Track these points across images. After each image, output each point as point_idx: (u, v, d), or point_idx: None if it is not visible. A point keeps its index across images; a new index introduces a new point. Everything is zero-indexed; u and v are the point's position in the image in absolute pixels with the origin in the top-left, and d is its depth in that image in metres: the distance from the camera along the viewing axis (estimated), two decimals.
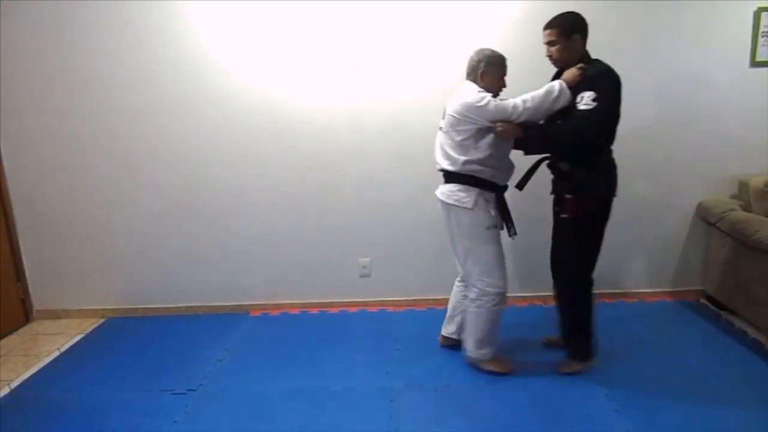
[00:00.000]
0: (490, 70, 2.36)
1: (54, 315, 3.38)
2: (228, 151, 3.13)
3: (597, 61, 2.32)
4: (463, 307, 2.62)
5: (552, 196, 2.50)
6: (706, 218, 3.13)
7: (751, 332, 2.81)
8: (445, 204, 2.43)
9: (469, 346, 2.51)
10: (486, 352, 2.50)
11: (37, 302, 3.39)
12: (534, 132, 2.32)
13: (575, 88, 2.24)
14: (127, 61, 3.01)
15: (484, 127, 2.28)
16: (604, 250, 3.24)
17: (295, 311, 3.32)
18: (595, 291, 3.30)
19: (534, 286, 3.32)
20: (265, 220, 3.23)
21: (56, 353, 2.92)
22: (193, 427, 2.24)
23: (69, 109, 3.08)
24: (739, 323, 2.92)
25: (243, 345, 2.92)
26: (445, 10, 2.94)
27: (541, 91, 2.28)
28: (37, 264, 3.32)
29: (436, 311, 3.24)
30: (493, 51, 2.38)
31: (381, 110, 3.06)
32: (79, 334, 3.14)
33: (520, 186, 2.52)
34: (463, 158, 2.32)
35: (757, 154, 3.10)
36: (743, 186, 3.06)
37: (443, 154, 2.41)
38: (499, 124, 2.26)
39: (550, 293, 3.29)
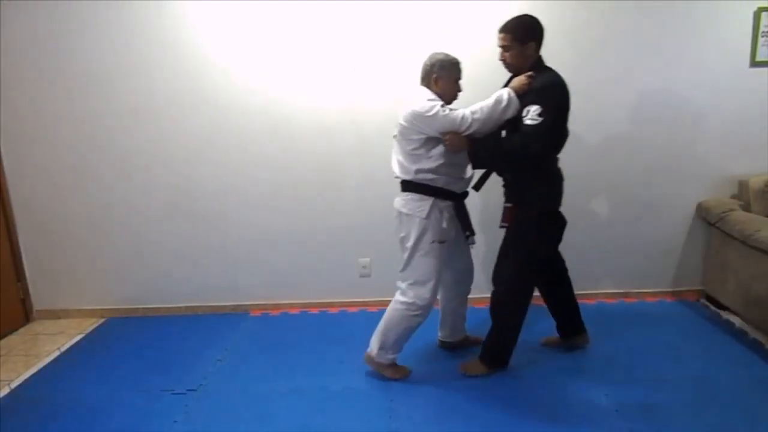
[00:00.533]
0: (443, 75, 2.30)
1: (54, 315, 3.38)
2: (228, 151, 3.13)
3: (548, 69, 2.26)
4: (451, 308, 2.67)
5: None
6: (706, 218, 3.13)
7: (751, 332, 2.81)
8: (399, 213, 2.39)
9: (374, 346, 2.48)
10: (388, 356, 2.48)
11: (37, 302, 3.39)
12: (482, 147, 2.26)
13: (522, 98, 2.21)
14: (127, 62, 3.01)
15: (433, 136, 2.24)
16: (604, 250, 3.27)
17: (295, 311, 3.32)
18: (596, 291, 3.34)
19: None
20: (265, 220, 3.23)
21: (56, 353, 2.92)
22: (193, 427, 2.24)
23: (69, 109, 3.08)
24: (739, 323, 2.92)
25: (243, 345, 2.92)
26: (445, 10, 2.94)
27: (490, 101, 2.23)
28: (37, 264, 3.32)
29: (435, 311, 3.23)
30: (446, 55, 2.33)
31: (381, 110, 3.06)
32: (79, 334, 3.14)
33: (477, 187, 2.49)
34: (414, 167, 2.28)
35: (757, 154, 3.10)
36: (743, 186, 3.06)
37: (397, 163, 2.37)
38: (447, 136, 2.20)
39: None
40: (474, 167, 2.39)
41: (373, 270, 3.31)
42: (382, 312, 3.23)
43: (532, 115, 2.12)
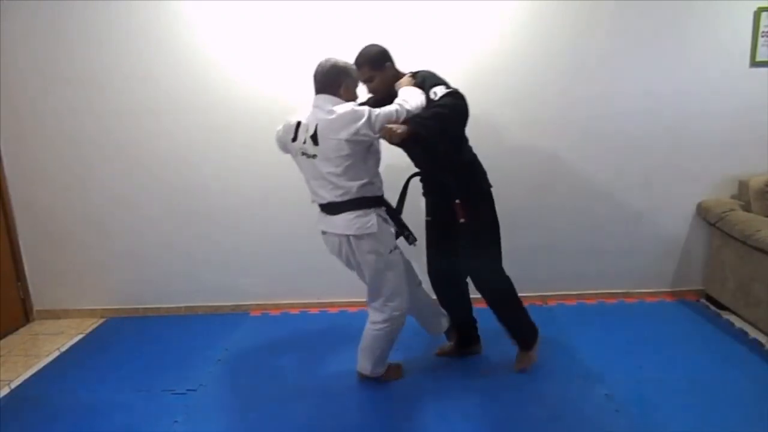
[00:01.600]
0: (350, 83, 2.20)
1: (54, 315, 3.38)
2: (228, 151, 3.13)
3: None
4: (426, 310, 2.59)
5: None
6: (706, 218, 3.13)
7: (751, 332, 2.81)
8: (342, 237, 2.22)
9: (367, 366, 2.42)
10: (381, 368, 2.45)
11: (37, 302, 3.39)
12: (420, 122, 2.09)
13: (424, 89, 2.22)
14: (127, 62, 3.01)
15: (373, 142, 2.15)
16: (604, 250, 3.27)
17: (295, 311, 3.32)
18: (596, 291, 3.34)
19: (532, 286, 3.32)
20: (265, 220, 3.23)
21: (56, 353, 2.92)
22: (193, 427, 2.24)
23: (69, 109, 3.08)
24: (739, 323, 2.92)
25: (243, 345, 2.92)
26: (445, 10, 2.93)
27: (407, 95, 2.15)
28: (37, 264, 3.33)
29: None
30: (346, 61, 2.22)
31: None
32: (79, 334, 3.15)
33: (399, 210, 2.42)
34: (357, 183, 2.12)
35: (757, 154, 3.10)
36: (743, 186, 3.06)
37: (329, 186, 2.14)
38: (389, 126, 2.05)
39: (549, 293, 3.33)
40: (423, 149, 2.34)
41: None
42: None
43: (440, 91, 2.14)
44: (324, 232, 2.31)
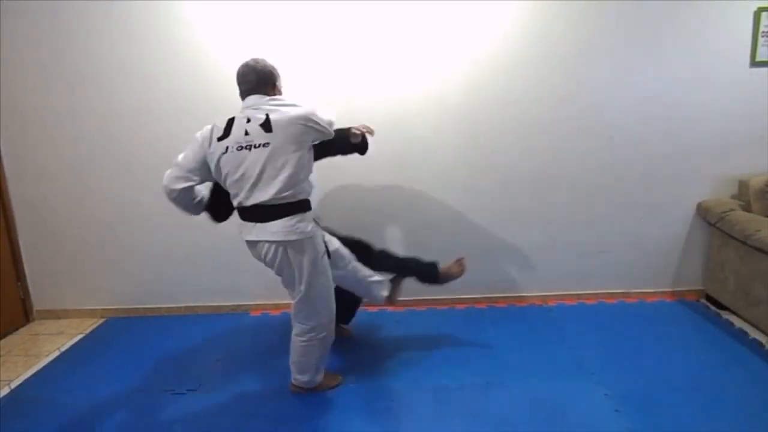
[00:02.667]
0: (280, 83, 2.22)
1: (54, 315, 3.38)
2: None
3: None
4: (359, 279, 2.54)
5: None
6: (706, 218, 3.13)
7: (751, 332, 2.81)
8: (280, 244, 2.10)
9: (304, 378, 2.37)
10: (320, 376, 2.41)
11: (37, 302, 3.39)
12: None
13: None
14: (127, 62, 3.01)
15: (308, 143, 2.12)
16: (604, 250, 3.28)
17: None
18: (596, 291, 3.35)
19: (533, 286, 3.32)
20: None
21: (56, 353, 2.92)
22: (192, 427, 2.24)
23: (69, 109, 3.08)
24: (739, 323, 2.92)
25: (243, 345, 2.92)
26: (445, 10, 2.93)
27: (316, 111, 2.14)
28: (37, 264, 3.33)
29: (436, 311, 3.25)
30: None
31: (380, 110, 3.06)
32: (79, 334, 3.15)
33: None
34: (302, 180, 2.08)
35: (757, 154, 3.10)
36: (743, 186, 3.06)
37: (273, 181, 2.02)
38: (359, 126, 2.27)
39: (549, 293, 3.33)
40: (363, 153, 2.50)
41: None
42: (382, 312, 3.27)
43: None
44: (253, 242, 2.16)
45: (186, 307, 3.36)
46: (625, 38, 2.97)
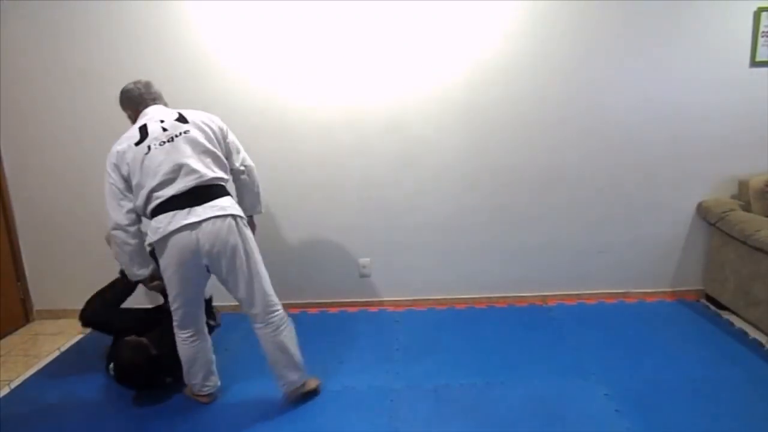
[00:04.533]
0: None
1: (54, 315, 3.38)
2: None
3: None
4: (211, 358, 2.37)
5: None
6: (706, 218, 3.13)
7: (751, 332, 2.81)
8: (234, 217, 2.07)
9: (294, 377, 2.24)
10: (303, 373, 2.29)
11: (37, 302, 3.39)
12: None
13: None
14: (127, 61, 3.00)
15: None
16: (604, 250, 3.28)
17: (295, 311, 3.31)
18: (596, 291, 3.35)
19: (533, 286, 3.32)
20: (263, 220, 3.22)
21: (56, 353, 2.92)
22: (192, 427, 2.24)
23: (69, 109, 3.08)
24: (739, 323, 2.92)
25: (243, 345, 2.92)
26: (446, 10, 2.93)
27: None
28: (37, 264, 3.33)
29: (435, 311, 3.25)
30: None
31: (381, 110, 3.06)
32: (79, 334, 3.14)
33: None
34: (226, 169, 2.21)
35: (757, 154, 3.10)
36: (743, 186, 3.06)
37: (211, 158, 2.10)
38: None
39: (549, 293, 3.33)
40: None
41: (373, 270, 3.31)
42: (382, 312, 3.27)
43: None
44: (193, 224, 1.99)
45: None
46: (625, 39, 2.97)
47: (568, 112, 3.08)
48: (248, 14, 2.94)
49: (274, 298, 2.22)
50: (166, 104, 2.28)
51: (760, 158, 3.10)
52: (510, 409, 2.27)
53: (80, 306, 3.35)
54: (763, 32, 2.94)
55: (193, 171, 2.03)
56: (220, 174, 2.11)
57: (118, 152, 2.07)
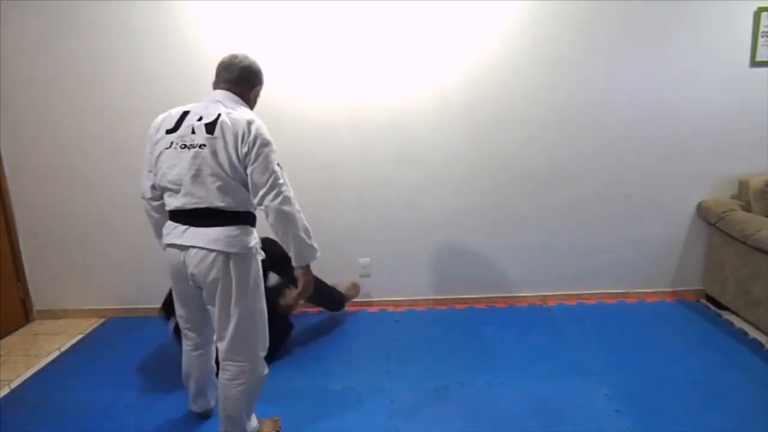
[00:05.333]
0: (259, 90, 1.98)
1: (54, 315, 3.38)
2: None
3: None
4: (207, 379, 2.19)
5: None
6: (706, 218, 3.13)
7: (751, 332, 2.81)
8: (220, 254, 1.79)
9: (236, 428, 1.96)
10: (254, 424, 2.06)
11: (37, 302, 3.39)
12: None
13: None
14: (127, 61, 3.01)
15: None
16: (604, 250, 3.28)
17: (295, 311, 3.31)
18: (596, 291, 3.35)
19: (533, 286, 3.32)
20: (264, 220, 3.21)
21: (56, 353, 2.92)
22: (193, 427, 2.24)
23: (69, 108, 3.08)
24: (739, 323, 2.92)
25: None
26: (445, 10, 2.93)
27: (301, 218, 1.88)
28: (37, 264, 3.32)
29: (436, 311, 3.25)
30: (255, 60, 1.97)
31: (381, 110, 3.06)
32: (79, 334, 3.14)
33: None
34: (239, 193, 1.83)
35: (757, 154, 3.10)
36: (743, 186, 3.06)
37: (217, 184, 1.77)
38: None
39: (549, 293, 3.33)
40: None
41: (373, 270, 3.31)
42: (382, 312, 3.27)
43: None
44: (180, 246, 1.85)
45: None
46: (624, 38, 2.97)
47: (567, 111, 3.08)
48: (249, 14, 2.94)
49: (245, 350, 1.89)
50: (236, 92, 1.94)
51: (760, 158, 3.10)
52: (510, 409, 2.27)
53: (80, 306, 3.38)
54: (763, 32, 2.94)
55: (191, 194, 1.79)
56: (226, 202, 1.80)
57: (153, 126, 1.90)
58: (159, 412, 2.35)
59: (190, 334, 2.09)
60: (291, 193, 1.84)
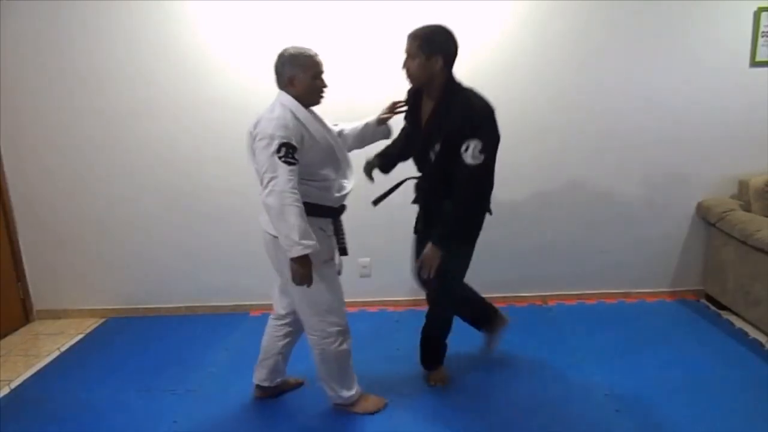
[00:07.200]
0: (298, 73, 1.98)
1: (54, 315, 3.38)
2: (228, 150, 3.13)
3: (465, 90, 2.08)
4: (276, 349, 2.31)
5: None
6: (706, 218, 3.13)
7: (751, 332, 2.81)
8: (267, 235, 2.01)
9: (332, 393, 2.22)
10: (348, 394, 2.22)
11: (37, 302, 3.39)
12: (448, 231, 2.10)
13: (448, 130, 2.00)
14: (127, 61, 3.01)
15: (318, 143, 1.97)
16: (604, 250, 3.28)
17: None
18: (596, 291, 3.34)
19: (533, 286, 3.32)
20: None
21: (56, 353, 2.92)
22: (192, 427, 2.24)
23: (69, 109, 3.08)
24: (739, 323, 2.92)
25: (243, 345, 2.92)
26: (445, 10, 2.93)
27: (290, 212, 1.84)
28: (37, 264, 3.32)
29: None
30: (298, 48, 2.01)
31: (380, 110, 3.05)
32: (79, 334, 3.14)
33: (376, 202, 2.40)
34: None
35: (757, 154, 3.10)
36: (743, 186, 3.06)
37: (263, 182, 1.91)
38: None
39: (549, 293, 3.33)
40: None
41: (373, 270, 3.31)
42: (382, 312, 3.27)
43: (473, 152, 1.94)
44: (265, 231, 2.06)
45: (186, 307, 3.36)
46: (624, 39, 2.97)
47: (567, 112, 3.08)
48: (248, 14, 2.94)
49: (315, 321, 2.10)
50: (281, 89, 2.04)
51: (760, 158, 3.10)
52: (510, 408, 2.28)
53: (80, 306, 3.38)
54: (763, 32, 2.94)
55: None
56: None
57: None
58: (159, 412, 2.35)
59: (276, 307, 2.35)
60: (283, 187, 1.83)
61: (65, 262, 3.31)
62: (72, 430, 2.27)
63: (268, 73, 3.01)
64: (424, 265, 2.12)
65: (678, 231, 3.25)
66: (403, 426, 2.20)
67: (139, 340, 3.03)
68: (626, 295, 3.33)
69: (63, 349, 2.97)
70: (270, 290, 3.33)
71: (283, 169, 1.84)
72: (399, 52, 2.99)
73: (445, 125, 2.03)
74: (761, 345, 2.69)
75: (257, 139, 1.88)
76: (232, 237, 3.26)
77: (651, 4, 2.92)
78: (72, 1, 2.92)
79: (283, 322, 2.31)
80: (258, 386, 2.38)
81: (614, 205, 3.21)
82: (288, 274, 1.98)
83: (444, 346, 2.50)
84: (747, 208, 2.99)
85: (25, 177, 3.19)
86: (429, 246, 2.11)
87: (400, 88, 3.02)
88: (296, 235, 1.84)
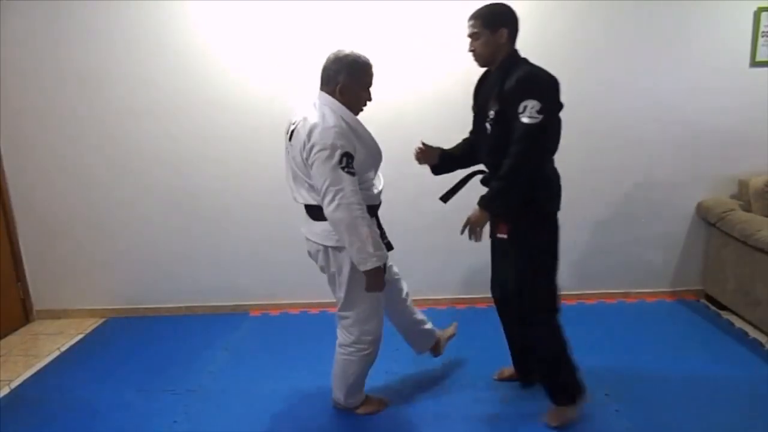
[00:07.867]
0: (351, 83, 1.89)
1: (54, 315, 3.38)
2: (228, 151, 3.13)
3: (527, 62, 2.04)
4: (405, 323, 2.39)
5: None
6: (706, 218, 3.13)
7: (751, 332, 2.81)
8: (320, 246, 2.01)
9: (339, 395, 2.23)
10: (356, 399, 2.25)
11: (37, 302, 3.39)
12: (497, 198, 1.99)
13: (504, 93, 1.93)
14: (127, 62, 3.01)
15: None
16: (604, 250, 3.27)
17: (295, 311, 3.32)
18: (596, 291, 3.33)
19: None
20: (265, 220, 3.23)
21: (56, 353, 2.92)
22: (192, 427, 2.24)
23: (69, 109, 3.08)
24: (739, 323, 2.92)
25: (243, 345, 2.92)
26: (445, 9, 2.93)
27: (360, 224, 1.83)
28: (37, 264, 3.32)
29: (436, 311, 3.25)
30: (358, 55, 1.92)
31: (380, 110, 3.04)
32: (79, 334, 3.15)
33: (445, 198, 2.33)
34: None
35: (757, 154, 3.10)
36: (743, 186, 3.06)
37: (306, 186, 1.93)
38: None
39: None
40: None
41: None
42: None
43: (530, 112, 1.86)
44: (311, 242, 2.08)
45: (186, 307, 3.36)
46: (624, 39, 2.97)
47: (567, 111, 3.05)
48: (248, 14, 2.94)
49: (353, 326, 2.09)
50: (328, 92, 1.95)
51: (760, 158, 3.10)
52: (511, 409, 2.28)
53: (80, 306, 3.38)
54: (763, 32, 2.94)
55: (295, 191, 2.02)
56: (310, 201, 1.95)
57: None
58: (159, 412, 2.35)
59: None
60: (350, 199, 1.81)
61: (65, 263, 3.31)
62: (72, 430, 2.27)
63: (268, 73, 3.04)
64: (470, 228, 2.01)
65: (678, 231, 3.25)
66: (403, 426, 2.19)
67: (139, 340, 3.03)
68: (626, 295, 3.33)
69: (63, 349, 2.97)
70: (270, 290, 3.37)
71: (348, 181, 1.81)
72: (399, 53, 3.01)
73: (501, 90, 1.94)
74: (761, 345, 2.69)
75: (315, 150, 1.80)
76: (232, 237, 3.26)
77: (651, 4, 2.92)
78: (72, 1, 2.92)
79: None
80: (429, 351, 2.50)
81: (614, 206, 3.21)
82: (340, 281, 2.03)
83: (572, 368, 2.10)
84: (747, 208, 2.99)
85: (25, 177, 3.19)
86: (475, 208, 1.99)
87: (400, 88, 3.04)
88: (370, 247, 1.84)
